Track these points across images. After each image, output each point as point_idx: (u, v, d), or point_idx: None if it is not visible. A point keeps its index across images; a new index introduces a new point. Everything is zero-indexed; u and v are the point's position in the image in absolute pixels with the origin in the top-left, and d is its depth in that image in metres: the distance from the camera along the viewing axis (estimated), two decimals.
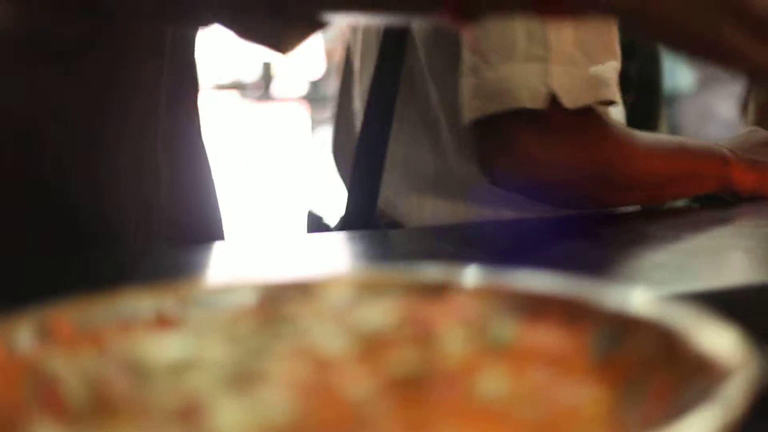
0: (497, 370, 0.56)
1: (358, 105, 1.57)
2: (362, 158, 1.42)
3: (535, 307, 0.67)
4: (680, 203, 1.57)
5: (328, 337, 0.59)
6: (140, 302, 0.70)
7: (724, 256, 1.18)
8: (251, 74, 13.24)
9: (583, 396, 0.59)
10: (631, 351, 0.60)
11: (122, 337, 0.65)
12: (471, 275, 0.72)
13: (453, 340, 0.60)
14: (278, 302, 0.66)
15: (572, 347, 0.63)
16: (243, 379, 0.53)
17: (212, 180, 1.34)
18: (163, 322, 0.67)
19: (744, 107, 1.96)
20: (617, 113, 1.45)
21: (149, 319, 0.70)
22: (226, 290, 0.69)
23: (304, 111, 12.08)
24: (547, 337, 0.64)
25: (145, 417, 0.50)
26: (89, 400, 0.52)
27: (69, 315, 0.66)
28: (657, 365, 0.57)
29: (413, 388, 0.53)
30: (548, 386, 0.59)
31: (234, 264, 1.14)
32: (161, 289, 0.71)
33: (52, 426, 0.49)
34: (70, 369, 0.57)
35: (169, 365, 0.56)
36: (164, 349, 0.57)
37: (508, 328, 0.63)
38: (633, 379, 0.59)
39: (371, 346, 0.58)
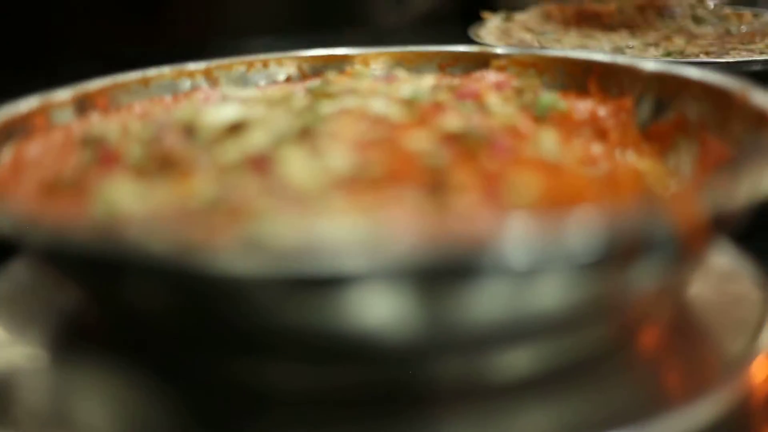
0: (548, 134, 0.56)
1: None
2: None
3: (577, 75, 0.67)
4: None
5: (378, 102, 0.59)
6: (177, 80, 0.69)
7: None
8: None
9: (635, 156, 0.60)
10: (680, 113, 0.61)
11: (165, 107, 0.65)
12: (508, 49, 0.72)
13: (499, 106, 0.60)
14: (322, 74, 0.65)
15: (617, 112, 0.63)
16: (303, 136, 0.53)
17: None
18: (207, 97, 0.67)
19: None
20: None
21: (189, 93, 0.69)
22: (267, 64, 0.69)
23: None
24: (591, 103, 0.64)
25: (210, 170, 0.49)
26: (149, 158, 0.52)
27: (107, 92, 0.65)
28: (709, 125, 0.58)
29: (471, 144, 0.53)
30: (599, 149, 0.60)
31: None
32: (199, 67, 0.70)
33: (120, 180, 0.49)
34: (120, 133, 0.57)
35: (224, 127, 0.56)
36: (215, 114, 0.57)
37: (552, 97, 0.63)
38: (684, 141, 0.60)
39: (419, 109, 0.58)
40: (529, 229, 0.38)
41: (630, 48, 1.00)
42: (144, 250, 0.38)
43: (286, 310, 0.40)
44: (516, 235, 0.38)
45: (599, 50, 0.98)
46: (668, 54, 0.95)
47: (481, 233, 0.38)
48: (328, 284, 0.39)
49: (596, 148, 0.60)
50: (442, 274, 0.39)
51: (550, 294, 0.42)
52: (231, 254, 0.38)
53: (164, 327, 0.45)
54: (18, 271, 0.57)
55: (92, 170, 0.51)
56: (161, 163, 0.51)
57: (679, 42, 1.03)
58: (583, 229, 0.38)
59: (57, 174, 0.51)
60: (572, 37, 1.07)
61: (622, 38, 1.06)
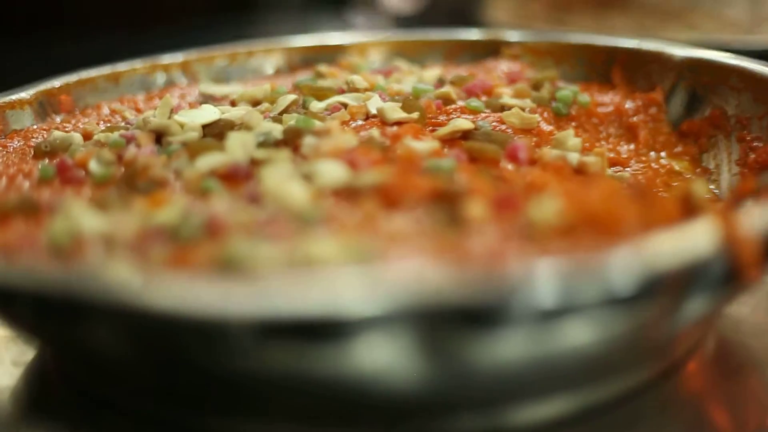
0: (570, 135, 0.49)
1: None
2: None
3: (598, 64, 0.60)
4: None
5: (376, 100, 0.52)
6: (150, 75, 0.62)
7: None
8: None
9: (668, 157, 0.53)
10: (717, 107, 0.54)
11: (135, 109, 0.58)
12: (521, 35, 0.65)
13: (514, 102, 0.53)
14: (313, 65, 0.58)
15: (646, 106, 0.56)
16: (290, 143, 0.46)
17: None
18: (183, 95, 0.60)
19: None
20: None
21: (163, 91, 0.62)
22: (251, 56, 0.61)
23: None
24: (616, 96, 0.57)
25: (183, 186, 0.43)
26: (114, 174, 0.45)
27: (71, 90, 0.58)
28: (751, 121, 0.51)
29: (484, 150, 0.46)
30: (627, 149, 0.53)
31: None
32: (175, 60, 0.63)
33: (81, 203, 0.42)
34: (82, 143, 0.50)
35: (199, 135, 0.49)
36: (189, 121, 0.50)
37: (572, 90, 0.56)
38: (722, 139, 0.54)
39: (423, 108, 0.51)
40: (560, 267, 0.32)
41: None
42: (105, 288, 0.32)
43: (273, 358, 0.34)
44: (546, 274, 0.31)
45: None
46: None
47: (500, 274, 0.32)
48: (322, 329, 0.32)
49: (624, 149, 0.53)
50: (459, 318, 0.33)
51: (582, 338, 0.36)
52: (204, 290, 0.31)
53: (131, 377, 0.39)
54: None
55: (50, 188, 0.45)
56: (128, 180, 0.44)
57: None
58: (621, 266, 0.32)
59: (9, 194, 0.45)
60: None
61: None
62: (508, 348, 0.34)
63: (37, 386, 0.44)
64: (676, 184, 0.49)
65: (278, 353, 0.33)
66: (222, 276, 0.35)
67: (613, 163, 0.50)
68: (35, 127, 0.55)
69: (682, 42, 0.69)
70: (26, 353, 0.46)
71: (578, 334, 0.35)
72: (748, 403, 0.42)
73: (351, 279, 0.32)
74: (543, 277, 0.32)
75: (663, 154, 0.53)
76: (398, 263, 0.35)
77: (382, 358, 0.33)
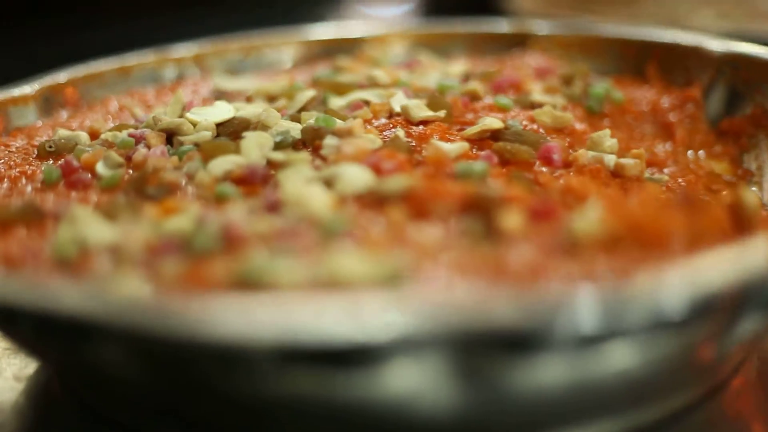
0: (607, 136, 0.47)
1: None
2: None
3: (631, 57, 0.57)
4: None
5: (400, 96, 0.49)
6: (160, 69, 0.59)
7: None
8: None
9: (706, 158, 0.50)
10: (759, 105, 0.51)
11: (146, 105, 0.55)
12: (549, 26, 0.61)
13: (545, 99, 0.50)
14: (332, 57, 0.55)
15: (683, 103, 0.53)
16: (310, 144, 0.44)
17: None
18: (196, 89, 0.57)
19: None
20: None
21: (174, 84, 0.59)
22: (268, 48, 0.59)
23: None
24: (652, 95, 0.54)
25: (197, 191, 0.40)
26: (123, 178, 0.42)
27: (77, 85, 0.56)
28: None
29: (515, 151, 0.43)
30: (664, 148, 0.50)
31: None
32: (188, 53, 0.60)
33: (89, 211, 0.39)
34: (89, 144, 0.47)
35: (213, 135, 0.46)
36: (202, 119, 0.47)
37: (606, 86, 0.53)
38: (765, 138, 0.51)
39: (450, 105, 0.48)
40: (607, 288, 0.29)
41: None
42: (114, 307, 0.29)
43: (296, 384, 0.31)
44: (591, 297, 0.29)
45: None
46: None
47: (542, 296, 0.29)
48: (350, 355, 0.30)
49: (660, 148, 0.50)
50: (497, 343, 0.30)
51: (628, 362, 0.33)
52: (222, 312, 0.28)
53: (141, 398, 0.36)
54: None
55: (55, 192, 0.42)
56: (137, 185, 0.41)
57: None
58: (672, 288, 0.29)
59: (11, 198, 0.42)
60: None
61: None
62: (549, 373, 0.32)
63: (41, 402, 0.42)
64: (718, 188, 0.47)
65: (302, 379, 0.31)
66: (241, 295, 0.32)
67: (648, 164, 0.47)
68: (39, 123, 0.52)
69: (714, 32, 0.66)
70: (28, 367, 0.43)
71: (623, 359, 0.33)
72: None
73: (381, 301, 0.29)
74: (588, 300, 0.29)
75: (701, 154, 0.51)
76: (431, 284, 0.33)
77: (414, 384, 0.31)
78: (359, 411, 0.32)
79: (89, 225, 0.37)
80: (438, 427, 0.33)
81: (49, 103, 0.53)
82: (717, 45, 0.54)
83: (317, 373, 0.31)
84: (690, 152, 0.51)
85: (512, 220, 0.36)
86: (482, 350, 0.30)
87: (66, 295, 0.30)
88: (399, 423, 0.32)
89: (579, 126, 0.48)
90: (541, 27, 0.61)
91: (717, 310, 0.32)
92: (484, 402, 0.32)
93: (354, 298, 0.30)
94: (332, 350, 0.29)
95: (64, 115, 0.54)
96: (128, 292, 0.33)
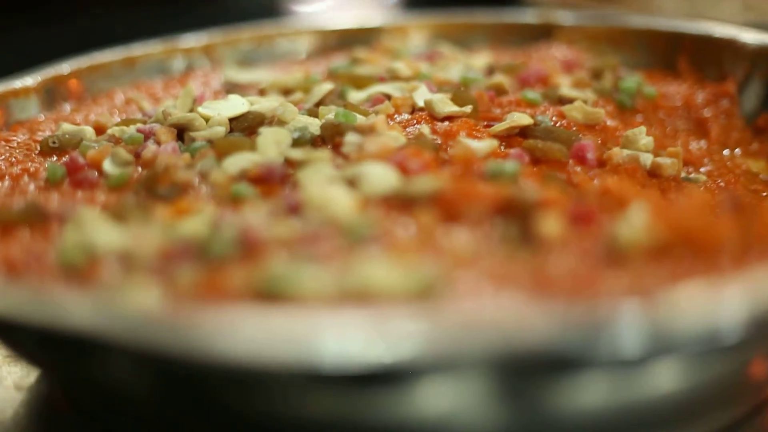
0: (642, 133, 0.44)
1: None
2: None
3: (662, 50, 0.55)
4: None
5: (423, 90, 0.47)
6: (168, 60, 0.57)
7: None
8: None
9: (743, 156, 0.48)
10: None
11: (153, 97, 0.52)
12: (575, 17, 0.59)
13: (569, 89, 0.48)
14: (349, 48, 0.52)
15: (717, 98, 0.51)
16: (330, 141, 0.41)
17: None
18: (206, 81, 0.54)
19: None
20: None
21: (183, 76, 0.57)
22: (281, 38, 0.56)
23: None
24: (685, 90, 0.52)
25: (210, 191, 0.38)
26: (131, 177, 0.40)
27: (82, 76, 0.53)
28: None
29: (546, 150, 0.41)
30: (699, 146, 0.48)
31: None
32: (197, 43, 0.57)
33: (96, 212, 0.37)
34: (95, 139, 0.45)
35: (227, 131, 0.44)
36: (215, 114, 0.44)
37: (637, 80, 0.51)
38: None
39: (475, 100, 0.46)
40: (657, 306, 0.27)
41: None
42: (125, 321, 0.27)
43: (322, 406, 0.29)
44: (641, 315, 0.27)
45: None
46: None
47: (589, 314, 0.27)
48: (382, 376, 0.27)
49: (695, 146, 0.48)
50: (541, 363, 0.28)
51: (676, 383, 0.31)
52: (242, 328, 0.26)
53: (150, 415, 0.34)
54: None
55: (59, 192, 0.40)
56: (148, 184, 0.39)
57: None
58: (728, 306, 0.27)
59: (13, 198, 0.40)
60: None
61: None
62: (592, 395, 0.29)
63: (42, 413, 0.40)
64: (757, 188, 0.44)
65: (326, 402, 0.29)
66: (260, 308, 0.30)
67: (684, 162, 0.45)
68: (42, 117, 0.50)
69: (740, 24, 0.64)
70: (30, 375, 0.41)
71: (671, 380, 0.30)
72: None
73: (412, 318, 0.27)
74: (636, 319, 0.27)
75: (737, 152, 0.48)
76: (466, 297, 0.30)
77: (447, 408, 0.29)
78: None
79: (97, 228, 0.35)
80: None
81: (51, 95, 0.51)
82: (751, 37, 0.52)
83: (342, 395, 0.28)
84: (726, 150, 0.48)
85: (551, 225, 0.34)
86: (522, 372, 0.28)
87: (72, 307, 0.28)
88: None
89: (611, 122, 0.45)
90: (566, 18, 0.59)
91: None
92: (523, 426, 0.30)
93: (383, 314, 0.28)
94: (359, 372, 0.27)
95: (67, 108, 0.51)
96: (139, 305, 0.30)
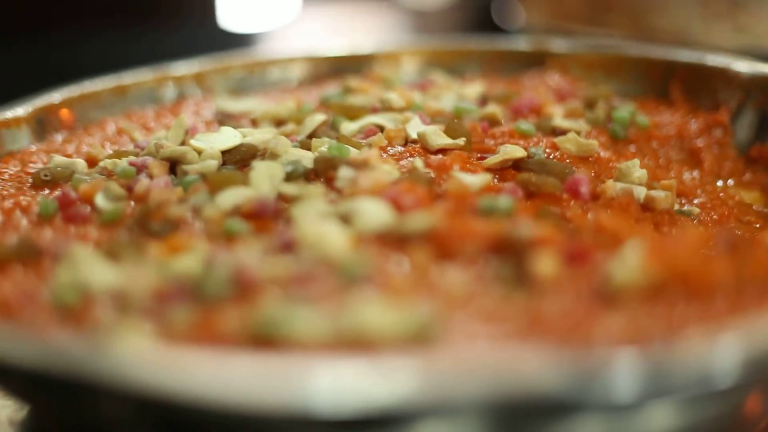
0: (636, 166, 0.44)
1: None
2: None
3: (655, 78, 0.55)
4: None
5: (416, 122, 0.47)
6: (159, 88, 0.57)
7: None
8: None
9: (735, 186, 0.48)
10: None
11: (145, 128, 0.52)
12: (566, 44, 0.58)
13: (568, 124, 0.48)
14: (341, 75, 0.52)
15: (710, 128, 0.51)
16: (323, 174, 0.41)
17: None
18: (198, 110, 0.54)
19: None
20: None
21: (175, 105, 0.56)
22: (272, 66, 0.56)
23: None
24: (678, 120, 0.52)
25: (203, 228, 0.37)
26: (123, 212, 0.40)
27: (72, 105, 0.53)
28: None
29: (540, 184, 0.41)
30: (691, 176, 0.48)
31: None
32: (188, 71, 0.57)
33: (89, 251, 0.37)
34: (86, 172, 0.45)
35: (218, 165, 0.43)
36: (207, 147, 0.44)
37: (630, 110, 0.51)
38: None
39: (468, 132, 0.46)
40: (654, 352, 0.27)
41: None
42: (119, 365, 0.27)
43: None
44: (638, 361, 0.26)
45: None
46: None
47: (585, 359, 0.27)
48: (378, 422, 0.27)
49: (687, 176, 0.48)
50: (538, 408, 0.28)
51: (670, 425, 0.31)
52: (238, 374, 0.26)
53: None
54: None
55: (52, 227, 0.39)
56: (141, 220, 0.39)
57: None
58: (723, 353, 0.27)
59: (5, 234, 0.39)
60: None
61: None
62: None
63: None
64: (750, 220, 0.44)
65: None
66: (255, 354, 0.29)
67: (677, 194, 0.45)
68: (33, 148, 0.49)
69: (731, 48, 0.64)
70: (23, 410, 0.41)
71: (666, 422, 0.30)
72: None
73: (409, 363, 0.27)
74: (632, 364, 0.27)
75: (730, 182, 0.48)
76: (461, 341, 0.30)
77: None
78: None
79: (90, 267, 0.35)
80: None
81: (42, 125, 0.51)
82: (745, 67, 0.52)
83: None
84: (719, 181, 0.48)
85: (546, 264, 0.33)
86: (516, 415, 0.27)
87: (64, 349, 0.28)
88: None
89: (604, 153, 0.45)
90: (559, 45, 0.59)
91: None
92: None
93: (377, 358, 0.28)
94: (353, 416, 0.26)
95: (58, 138, 0.51)
96: (132, 347, 0.30)
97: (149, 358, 0.28)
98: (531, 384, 0.26)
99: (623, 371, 0.27)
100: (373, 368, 0.26)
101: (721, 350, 0.27)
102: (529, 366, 0.27)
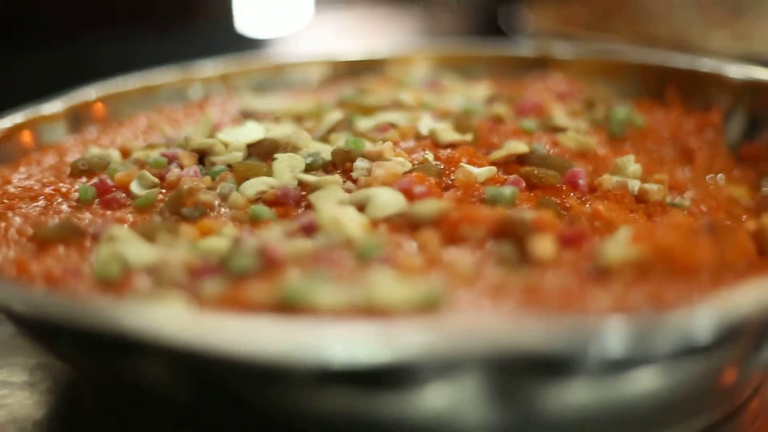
0: (631, 161, 0.47)
1: None
2: None
3: (651, 81, 0.58)
4: None
5: (427, 120, 0.50)
6: (186, 88, 0.60)
7: None
8: None
9: (726, 182, 0.51)
10: None
11: (174, 122, 0.56)
12: (569, 51, 0.62)
13: (568, 123, 0.51)
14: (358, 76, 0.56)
15: (703, 128, 0.54)
16: (340, 165, 0.44)
17: None
18: (223, 108, 0.58)
19: None
20: None
21: (202, 102, 0.60)
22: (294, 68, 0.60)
23: None
24: (672, 120, 0.55)
25: (230, 211, 0.41)
26: (156, 197, 0.43)
27: (105, 103, 0.56)
28: None
29: (541, 176, 0.44)
30: (684, 173, 0.51)
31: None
32: (214, 73, 0.61)
33: (127, 230, 0.40)
34: (121, 162, 0.48)
35: (245, 155, 0.47)
36: (233, 139, 0.48)
37: (627, 111, 0.54)
38: None
39: (475, 128, 0.49)
40: (638, 317, 0.30)
41: None
42: (157, 323, 0.30)
43: (335, 402, 0.32)
44: (623, 325, 0.30)
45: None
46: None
47: (576, 324, 0.30)
48: (389, 375, 0.30)
49: (680, 173, 0.51)
50: (531, 367, 0.31)
51: (654, 386, 0.34)
52: (264, 330, 0.29)
53: (177, 413, 0.37)
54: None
55: (90, 211, 0.43)
56: (173, 205, 0.42)
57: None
58: (700, 317, 0.30)
59: (48, 217, 0.43)
60: None
61: None
62: (579, 396, 0.32)
63: (74, 416, 0.43)
64: (738, 213, 0.47)
65: (341, 398, 0.32)
66: (280, 316, 0.33)
67: (670, 188, 0.48)
68: (70, 140, 0.53)
69: (730, 54, 0.67)
70: (61, 381, 0.44)
71: (651, 383, 0.33)
72: None
73: (416, 325, 0.30)
74: (619, 327, 0.30)
75: (721, 178, 0.51)
76: (466, 309, 0.33)
77: (447, 405, 0.31)
78: (392, 429, 0.33)
79: (129, 244, 0.38)
80: None
81: (78, 119, 0.54)
82: (736, 71, 0.55)
83: (350, 392, 0.31)
84: (709, 176, 0.51)
85: (545, 246, 0.37)
86: (514, 373, 0.31)
87: (108, 312, 0.31)
88: None
89: (601, 150, 0.49)
90: (563, 50, 0.62)
91: (742, 336, 0.32)
92: (515, 423, 0.33)
93: (389, 321, 0.31)
94: (365, 370, 0.30)
95: (93, 131, 0.55)
96: (169, 310, 0.33)
97: (184, 318, 0.31)
98: (527, 343, 0.29)
99: (610, 333, 0.30)
100: (383, 328, 0.30)
101: (697, 315, 0.30)
102: (526, 328, 0.30)
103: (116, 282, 0.36)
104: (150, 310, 0.32)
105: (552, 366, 0.31)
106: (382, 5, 1.42)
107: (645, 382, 0.33)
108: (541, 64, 0.61)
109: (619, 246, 0.36)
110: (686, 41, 0.82)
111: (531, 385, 0.31)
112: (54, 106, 0.54)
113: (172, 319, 0.31)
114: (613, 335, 0.30)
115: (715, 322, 0.30)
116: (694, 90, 0.56)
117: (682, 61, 0.58)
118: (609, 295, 0.34)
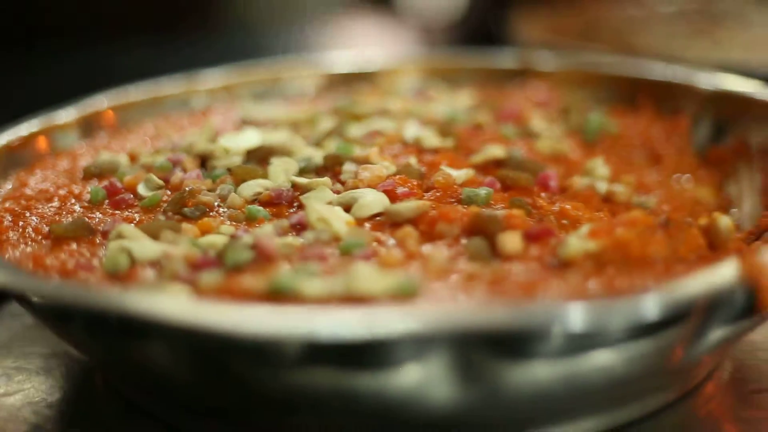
0: (600, 163, 0.51)
1: None
2: None
3: (625, 90, 0.62)
4: None
5: (413, 127, 0.54)
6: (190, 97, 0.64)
7: None
8: None
9: (692, 184, 0.54)
10: (740, 138, 0.55)
11: (179, 129, 0.60)
12: (550, 62, 0.66)
13: (545, 129, 0.55)
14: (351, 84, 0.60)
15: (671, 133, 0.58)
16: (330, 168, 0.48)
17: None
18: (225, 116, 0.62)
19: None
20: None
21: (205, 111, 0.64)
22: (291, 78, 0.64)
23: None
24: (643, 126, 0.59)
25: (229, 210, 0.45)
26: (161, 198, 0.47)
27: (115, 111, 0.61)
28: None
29: (516, 178, 0.48)
30: (653, 175, 0.54)
31: None
32: (217, 84, 0.65)
33: (134, 227, 0.44)
34: (129, 166, 0.52)
35: (243, 160, 0.51)
36: (233, 144, 0.52)
37: (601, 118, 0.58)
38: (745, 168, 0.55)
39: (457, 134, 0.53)
40: (592, 299, 0.33)
41: None
42: (161, 306, 0.34)
43: (319, 377, 0.36)
44: (578, 306, 0.33)
45: None
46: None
47: (534, 307, 0.34)
48: (366, 351, 0.34)
49: (649, 175, 0.55)
50: (494, 345, 0.34)
51: (610, 364, 0.37)
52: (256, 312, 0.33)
53: (180, 393, 0.41)
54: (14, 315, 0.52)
55: (100, 212, 0.47)
56: (176, 205, 0.46)
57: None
58: (649, 299, 0.34)
59: (62, 216, 0.47)
60: None
61: None
62: (539, 373, 0.36)
63: (85, 399, 0.46)
64: (700, 212, 0.51)
65: (326, 374, 0.35)
66: (272, 303, 0.37)
67: (638, 190, 0.52)
68: (82, 146, 0.57)
69: (710, 64, 0.70)
70: (74, 368, 0.48)
71: (606, 361, 0.37)
72: (761, 424, 0.43)
73: (392, 308, 0.34)
74: (575, 309, 0.33)
75: (687, 180, 0.55)
76: (438, 296, 0.37)
77: (421, 381, 0.35)
78: (371, 402, 0.36)
79: (135, 240, 0.42)
80: (441, 418, 0.37)
81: (89, 125, 0.58)
82: (704, 81, 0.59)
83: (335, 367, 0.35)
84: (676, 178, 0.55)
85: (513, 241, 0.40)
86: (480, 352, 0.34)
87: (116, 296, 0.35)
88: (404, 413, 0.36)
89: (574, 155, 0.52)
90: (544, 61, 0.66)
91: (688, 317, 0.36)
92: (482, 398, 0.36)
93: (369, 306, 0.35)
94: (350, 347, 0.33)
95: (103, 137, 0.59)
96: (173, 297, 0.37)
97: (186, 303, 0.35)
98: (491, 324, 0.33)
99: (565, 314, 0.33)
100: (363, 311, 0.33)
101: (646, 299, 0.34)
102: (491, 311, 0.33)
103: (123, 274, 0.40)
104: (155, 296, 0.36)
105: (514, 345, 0.34)
106: (376, 14, 1.46)
107: (601, 359, 0.36)
108: (522, 74, 0.65)
109: (579, 240, 0.40)
110: (669, 49, 0.86)
111: (495, 363, 0.35)
112: (67, 114, 0.58)
113: (175, 303, 0.34)
114: (569, 316, 0.33)
115: (661, 305, 0.34)
116: (664, 98, 0.59)
117: (655, 70, 0.61)
118: (568, 284, 0.38)
